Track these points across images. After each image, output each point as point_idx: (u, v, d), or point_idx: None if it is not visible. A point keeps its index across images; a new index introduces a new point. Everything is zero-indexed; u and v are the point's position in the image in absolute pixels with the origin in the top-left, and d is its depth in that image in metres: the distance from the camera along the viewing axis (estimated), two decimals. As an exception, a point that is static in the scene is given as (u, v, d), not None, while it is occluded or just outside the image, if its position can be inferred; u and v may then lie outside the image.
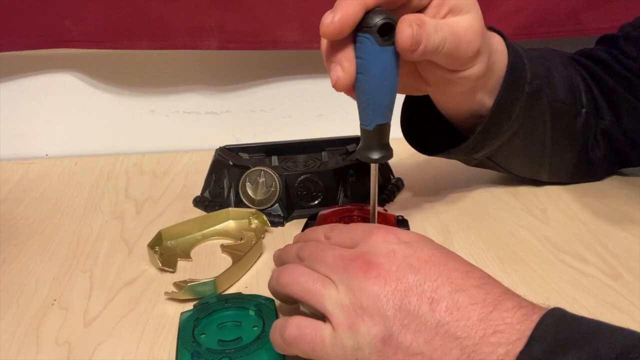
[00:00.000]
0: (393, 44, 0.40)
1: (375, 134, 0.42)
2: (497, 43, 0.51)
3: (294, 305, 0.41)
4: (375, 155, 0.43)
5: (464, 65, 0.46)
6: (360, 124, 0.43)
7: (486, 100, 0.52)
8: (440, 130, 0.58)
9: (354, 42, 0.40)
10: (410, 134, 0.58)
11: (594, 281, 0.46)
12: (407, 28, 0.39)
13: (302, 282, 0.36)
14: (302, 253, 0.40)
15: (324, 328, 0.34)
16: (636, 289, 0.45)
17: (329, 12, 0.39)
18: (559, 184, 0.63)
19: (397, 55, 0.40)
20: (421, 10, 0.43)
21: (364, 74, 0.40)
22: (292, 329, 0.35)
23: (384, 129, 0.42)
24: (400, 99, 0.55)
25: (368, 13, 0.39)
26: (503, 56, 0.51)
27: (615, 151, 0.61)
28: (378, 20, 0.39)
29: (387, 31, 0.39)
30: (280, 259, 0.44)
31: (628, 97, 0.58)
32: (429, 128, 0.58)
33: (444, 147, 0.55)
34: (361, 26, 0.39)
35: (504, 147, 0.56)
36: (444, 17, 0.43)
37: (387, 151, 0.43)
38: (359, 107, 0.42)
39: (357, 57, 0.40)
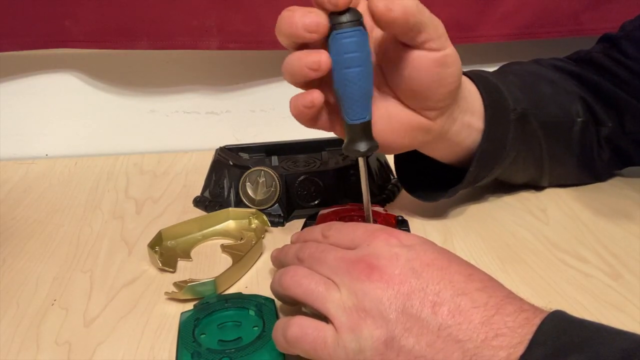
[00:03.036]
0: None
1: (368, 124, 0.43)
2: (469, 86, 0.51)
3: (295, 306, 0.41)
4: (371, 144, 0.44)
5: (439, 39, 0.44)
6: (354, 119, 0.43)
7: (481, 125, 0.52)
8: (439, 175, 0.57)
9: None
10: (411, 187, 0.57)
11: (594, 281, 0.46)
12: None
13: (305, 284, 0.36)
14: (301, 254, 0.40)
15: (326, 329, 0.34)
16: (636, 289, 0.45)
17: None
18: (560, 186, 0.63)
19: None
20: None
21: (361, 66, 0.41)
22: (294, 329, 0.35)
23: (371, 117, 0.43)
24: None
25: (335, 13, 0.40)
26: (476, 94, 0.51)
27: (620, 154, 0.61)
28: (355, 13, 0.40)
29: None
30: (279, 260, 0.44)
31: (630, 101, 0.57)
32: (428, 176, 0.57)
33: (446, 188, 0.54)
34: (344, 23, 0.40)
35: (505, 170, 0.56)
36: None
37: (374, 140, 0.44)
38: (352, 103, 0.42)
39: (351, 52, 0.40)
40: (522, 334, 0.29)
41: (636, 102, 0.57)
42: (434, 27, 0.43)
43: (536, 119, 0.55)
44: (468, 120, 0.51)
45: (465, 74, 0.51)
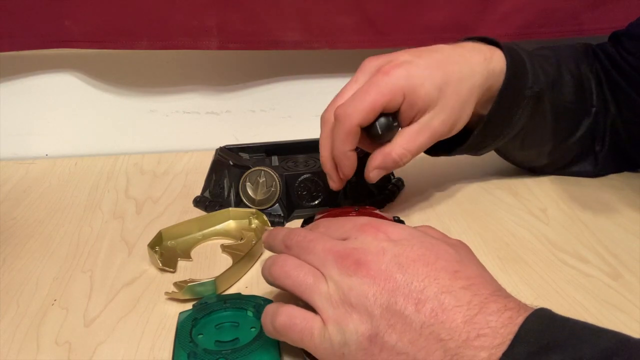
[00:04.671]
0: None
1: None
2: (497, 62, 0.53)
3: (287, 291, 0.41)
4: None
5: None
6: None
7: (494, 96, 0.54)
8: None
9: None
10: None
11: (594, 281, 0.46)
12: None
13: (293, 275, 0.36)
14: (288, 241, 0.39)
15: (314, 320, 0.34)
16: (636, 288, 0.45)
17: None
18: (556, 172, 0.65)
19: None
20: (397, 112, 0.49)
21: None
22: (282, 318, 0.35)
23: None
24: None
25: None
26: (502, 73, 0.53)
27: (617, 146, 0.62)
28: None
29: None
30: (268, 243, 0.43)
31: (629, 91, 0.59)
32: None
33: (449, 148, 0.56)
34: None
35: (508, 143, 0.58)
36: (414, 118, 0.49)
37: None
38: None
39: None
40: (504, 334, 0.29)
41: (634, 94, 0.59)
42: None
43: (550, 101, 0.57)
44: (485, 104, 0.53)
45: (499, 43, 0.54)
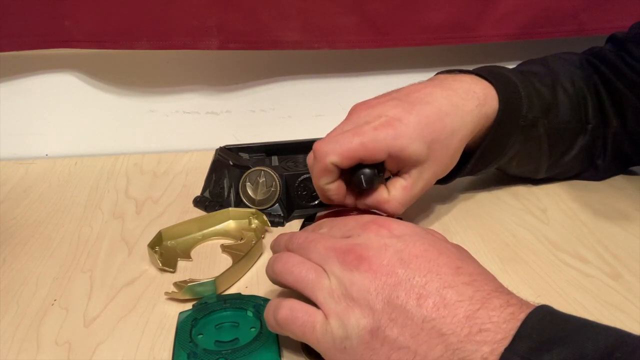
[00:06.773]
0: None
1: None
2: (490, 104, 0.52)
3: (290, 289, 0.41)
4: None
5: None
6: None
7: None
8: None
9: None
10: None
11: (594, 281, 0.46)
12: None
13: (296, 271, 0.37)
14: (290, 245, 0.40)
15: (316, 314, 0.35)
16: (636, 289, 0.45)
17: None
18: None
19: None
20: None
21: None
22: (284, 312, 0.35)
23: None
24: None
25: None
26: (495, 113, 0.52)
27: (620, 156, 0.61)
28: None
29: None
30: (274, 250, 0.44)
31: (634, 100, 0.58)
32: None
33: (444, 179, 0.55)
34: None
35: (502, 164, 0.58)
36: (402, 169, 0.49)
37: None
38: None
39: None
40: (506, 329, 0.30)
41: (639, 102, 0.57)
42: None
43: (544, 125, 0.56)
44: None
45: (492, 76, 0.53)
